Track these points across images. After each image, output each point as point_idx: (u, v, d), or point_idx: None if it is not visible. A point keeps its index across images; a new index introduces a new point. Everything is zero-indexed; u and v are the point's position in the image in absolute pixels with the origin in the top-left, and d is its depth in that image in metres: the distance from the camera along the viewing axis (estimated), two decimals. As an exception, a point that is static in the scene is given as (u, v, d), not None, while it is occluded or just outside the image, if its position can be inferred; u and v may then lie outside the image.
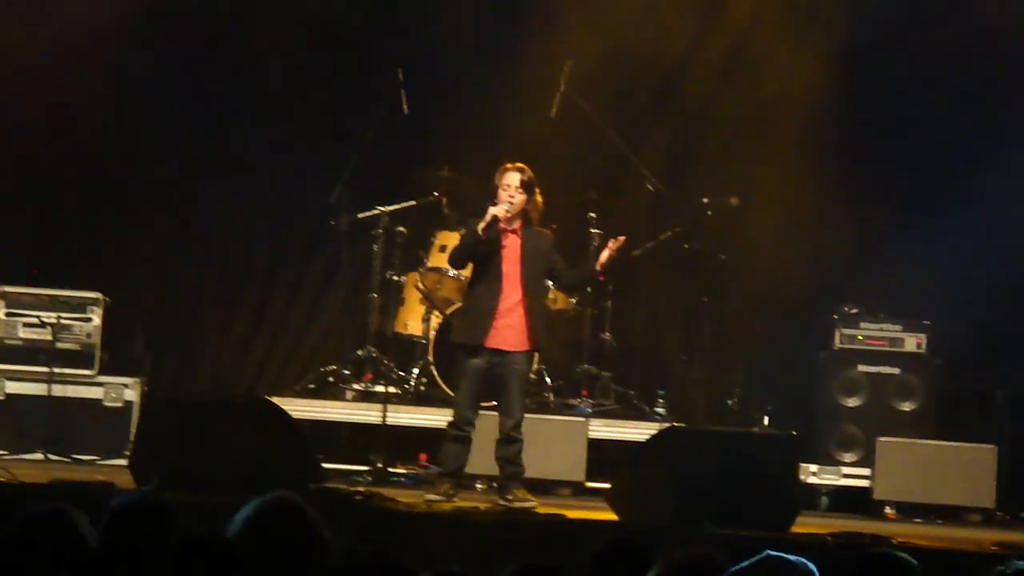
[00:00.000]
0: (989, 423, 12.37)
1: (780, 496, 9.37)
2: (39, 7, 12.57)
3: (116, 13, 12.43)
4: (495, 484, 10.22)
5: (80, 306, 11.91)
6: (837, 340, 12.40)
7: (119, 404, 11.73)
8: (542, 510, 9.47)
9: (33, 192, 13.00)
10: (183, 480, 8.67)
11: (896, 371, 12.30)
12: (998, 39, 12.67)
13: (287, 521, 3.78)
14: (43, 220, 13.02)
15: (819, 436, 12.19)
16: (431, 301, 12.22)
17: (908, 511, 11.68)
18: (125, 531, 4.81)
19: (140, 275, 12.96)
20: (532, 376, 11.26)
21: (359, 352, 12.37)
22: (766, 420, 12.39)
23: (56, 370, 11.69)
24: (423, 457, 11.55)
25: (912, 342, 12.34)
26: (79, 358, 11.83)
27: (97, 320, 11.90)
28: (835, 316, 12.44)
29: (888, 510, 11.72)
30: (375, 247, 12.37)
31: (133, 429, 10.82)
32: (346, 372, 12.37)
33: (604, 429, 11.87)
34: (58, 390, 11.69)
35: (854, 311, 12.44)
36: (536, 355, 10.73)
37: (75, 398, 11.73)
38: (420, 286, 12.28)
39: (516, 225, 9.74)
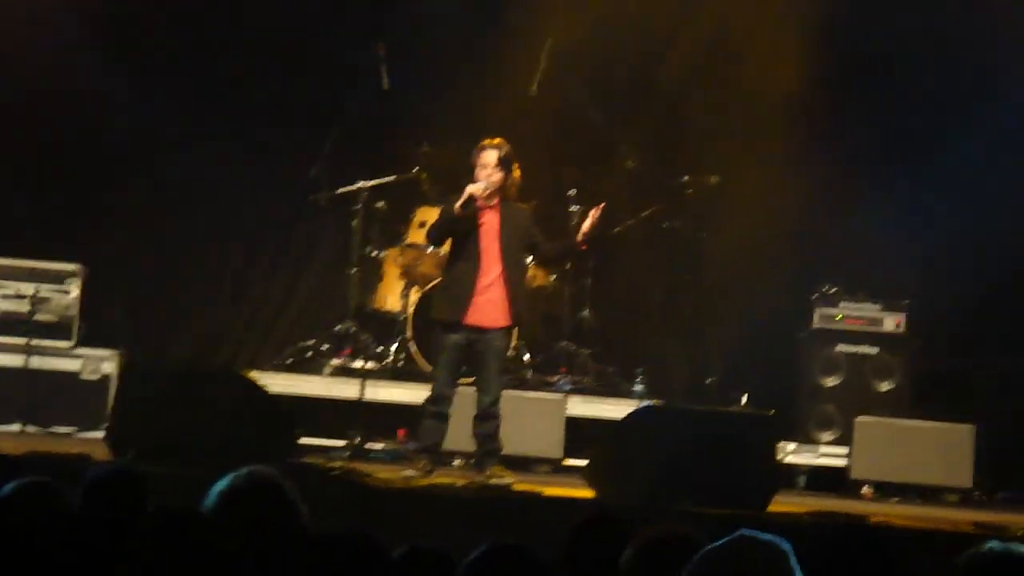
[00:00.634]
0: (967, 403, 12.40)
1: (758, 475, 9.38)
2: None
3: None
4: (472, 460, 10.22)
5: (58, 278, 11.87)
6: (816, 319, 12.42)
7: (96, 377, 11.69)
8: (519, 487, 9.46)
9: (8, 164, 12.91)
10: (160, 453, 8.65)
11: (875, 351, 12.32)
12: (973, 15, 12.64)
13: (263, 496, 3.77)
14: (21, 191, 12.92)
15: (797, 415, 12.21)
16: (410, 277, 12.20)
17: (885, 490, 11.70)
18: (101, 503, 4.80)
19: (120, 247, 12.87)
20: (511, 353, 11.25)
21: (338, 327, 12.35)
22: (744, 399, 12.40)
23: (34, 342, 11.65)
24: (401, 433, 11.54)
25: (891, 322, 12.36)
26: (57, 330, 11.78)
27: (75, 292, 11.86)
28: (814, 296, 12.45)
29: (865, 489, 11.73)
30: (354, 222, 12.32)
31: (110, 402, 10.78)
32: (325, 347, 12.35)
33: (582, 406, 11.86)
34: (36, 362, 11.65)
35: (833, 291, 12.45)
36: (515, 331, 10.70)
37: (52, 370, 11.69)
38: (399, 262, 12.26)
39: (494, 201, 9.72)
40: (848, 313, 12.41)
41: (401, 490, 8.98)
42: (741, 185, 12.62)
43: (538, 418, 11.35)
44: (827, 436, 12.18)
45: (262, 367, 12.04)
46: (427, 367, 11.54)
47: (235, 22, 12.88)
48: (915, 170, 12.53)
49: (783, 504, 9.51)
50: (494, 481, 9.52)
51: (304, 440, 10.49)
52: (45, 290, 11.82)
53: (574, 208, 12.12)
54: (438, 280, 11.12)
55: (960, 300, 12.45)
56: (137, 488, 4.95)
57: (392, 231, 12.44)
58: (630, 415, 10.05)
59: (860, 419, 11.87)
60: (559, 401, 11.61)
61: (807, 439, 12.15)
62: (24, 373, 11.58)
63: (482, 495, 9.09)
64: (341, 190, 12.29)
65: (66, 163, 12.90)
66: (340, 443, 11.27)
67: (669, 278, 12.98)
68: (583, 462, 10.18)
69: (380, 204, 12.38)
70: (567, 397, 11.74)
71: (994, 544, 3.93)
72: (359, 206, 12.27)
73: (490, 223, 9.68)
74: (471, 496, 8.96)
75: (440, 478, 9.61)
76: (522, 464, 10.88)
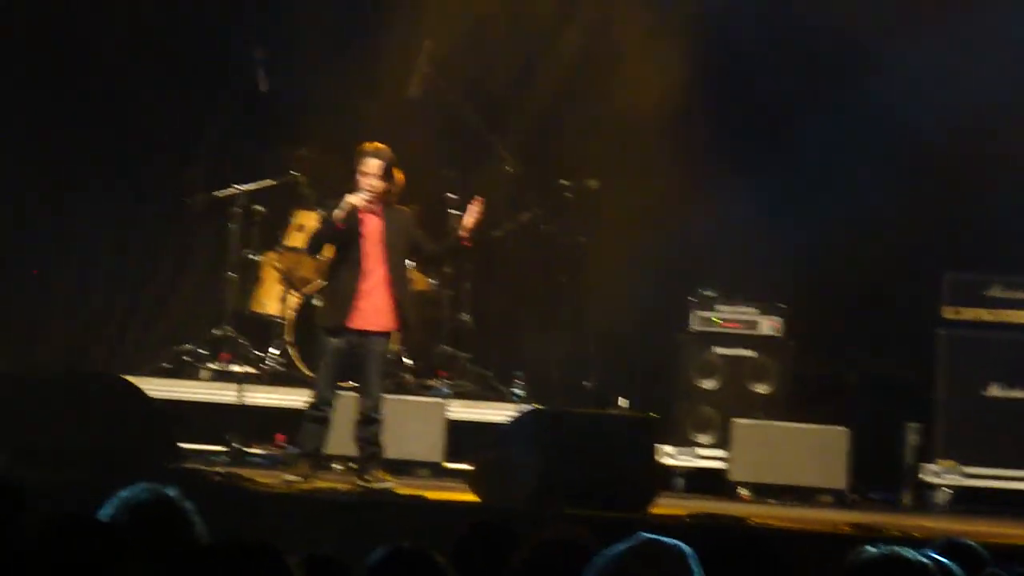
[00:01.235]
0: (841, 405, 12.56)
1: (639, 477, 9.42)
2: None
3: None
4: (352, 464, 10.17)
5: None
6: (694, 322, 12.50)
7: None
8: (401, 490, 9.44)
9: None
10: (35, 459, 8.51)
11: (752, 353, 12.42)
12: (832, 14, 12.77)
13: (158, 509, 3.72)
14: None
15: (675, 417, 12.28)
16: (289, 281, 12.13)
17: (762, 492, 11.81)
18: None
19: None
20: (389, 356, 11.21)
21: (215, 331, 12.24)
22: (622, 401, 12.46)
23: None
24: (280, 437, 11.46)
25: (767, 325, 12.47)
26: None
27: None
28: (692, 298, 12.54)
29: (743, 491, 11.84)
30: (232, 226, 12.24)
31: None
32: (202, 352, 12.24)
33: (462, 410, 11.86)
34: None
35: (711, 294, 12.54)
36: (393, 335, 10.66)
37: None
38: (277, 266, 12.18)
39: (376, 205, 9.68)
40: (725, 316, 12.50)
41: (283, 495, 8.92)
42: (619, 189, 12.69)
43: (418, 422, 11.34)
44: (705, 438, 12.27)
45: (139, 371, 11.88)
46: (306, 371, 11.48)
47: (111, 20, 12.71)
48: (795, 175, 12.63)
49: (663, 506, 9.56)
50: (375, 485, 9.49)
51: (182, 445, 10.37)
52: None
53: (453, 211, 12.10)
54: (318, 284, 11.04)
55: (835, 304, 12.61)
56: (11, 495, 4.86)
57: (270, 234, 12.36)
58: (513, 419, 10.06)
59: (737, 421, 11.98)
60: (439, 405, 11.61)
61: (685, 441, 12.23)
62: None
63: (364, 499, 9.05)
64: (218, 193, 12.19)
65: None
66: (218, 448, 11.18)
67: (548, 282, 13.00)
68: (463, 466, 10.17)
69: (258, 207, 12.29)
70: (447, 401, 11.73)
71: (878, 546, 3.97)
72: (237, 209, 12.19)
73: (373, 227, 9.64)
74: (354, 500, 8.91)
75: (321, 482, 9.56)
76: (403, 468, 10.87)
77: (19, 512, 4.78)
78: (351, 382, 9.94)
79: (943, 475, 12.03)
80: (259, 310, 12.35)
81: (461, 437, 11.52)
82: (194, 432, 11.30)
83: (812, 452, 11.87)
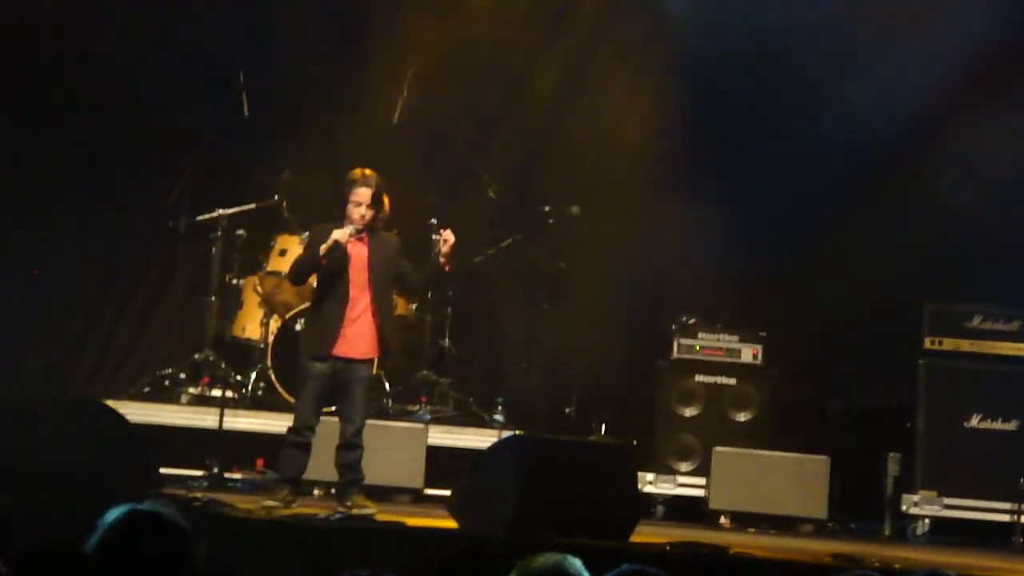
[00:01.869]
0: (822, 434, 12.57)
1: (620, 505, 9.40)
2: None
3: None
4: (333, 490, 10.13)
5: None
6: (675, 350, 12.50)
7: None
8: (381, 517, 9.42)
9: None
10: (13, 485, 8.45)
11: (732, 381, 12.43)
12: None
13: (155, 533, 3.69)
14: None
15: (656, 445, 12.28)
16: (270, 305, 12.12)
17: (742, 520, 11.81)
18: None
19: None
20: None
21: (196, 356, 12.21)
22: (603, 428, 12.45)
23: None
24: (260, 462, 11.44)
25: (748, 353, 12.48)
26: None
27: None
28: (673, 326, 12.54)
29: (723, 519, 11.83)
30: (214, 250, 12.22)
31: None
32: (182, 376, 12.21)
33: (443, 436, 11.85)
34: None
35: (692, 321, 12.55)
36: (376, 360, 10.65)
37: None
38: (259, 290, 12.17)
39: (362, 233, 9.66)
40: (706, 344, 12.51)
41: (263, 520, 8.89)
42: (601, 216, 12.71)
43: (399, 448, 11.31)
44: (685, 466, 12.27)
45: (118, 396, 11.84)
46: (287, 396, 11.45)
47: (95, 44, 12.69)
48: (773, 202, 12.64)
49: (643, 534, 9.54)
50: (356, 511, 9.45)
51: (162, 470, 10.34)
52: None
53: (436, 237, 12.07)
54: (298, 308, 11.02)
55: (816, 333, 12.63)
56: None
57: (252, 259, 12.35)
58: (493, 445, 10.05)
59: (718, 449, 11.98)
60: (420, 431, 11.58)
61: (665, 469, 12.23)
62: None
63: (344, 525, 9.02)
64: (200, 217, 12.18)
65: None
66: (198, 472, 11.14)
67: (529, 308, 12.99)
68: (444, 492, 10.14)
69: (240, 231, 12.27)
70: (428, 427, 11.71)
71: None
72: (219, 233, 12.17)
73: (358, 254, 9.61)
74: (334, 526, 8.88)
75: (301, 508, 9.52)
76: (383, 494, 10.84)
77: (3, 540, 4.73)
78: (332, 407, 9.91)
79: (923, 505, 12.03)
80: (240, 335, 12.33)
81: (442, 463, 11.51)
82: (174, 457, 11.28)
83: (793, 481, 11.86)
